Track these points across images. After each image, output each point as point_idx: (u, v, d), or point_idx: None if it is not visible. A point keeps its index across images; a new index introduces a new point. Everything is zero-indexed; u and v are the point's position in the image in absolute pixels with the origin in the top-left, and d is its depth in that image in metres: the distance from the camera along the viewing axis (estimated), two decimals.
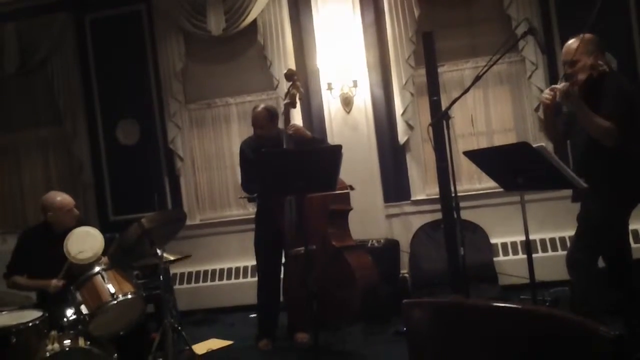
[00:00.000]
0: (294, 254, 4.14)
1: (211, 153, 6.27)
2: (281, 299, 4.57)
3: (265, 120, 4.34)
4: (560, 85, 3.20)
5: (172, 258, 3.92)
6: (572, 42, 3.33)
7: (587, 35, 3.30)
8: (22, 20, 6.30)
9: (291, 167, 3.58)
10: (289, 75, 4.39)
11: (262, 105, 4.43)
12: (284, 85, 4.44)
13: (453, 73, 5.74)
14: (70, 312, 3.43)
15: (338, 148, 3.63)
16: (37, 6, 6.33)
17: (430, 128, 4.19)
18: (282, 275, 4.55)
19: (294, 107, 4.40)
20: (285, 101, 4.34)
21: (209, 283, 5.97)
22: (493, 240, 5.48)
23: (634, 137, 3.20)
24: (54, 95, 6.34)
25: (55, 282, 3.81)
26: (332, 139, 5.61)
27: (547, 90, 3.31)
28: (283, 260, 4.52)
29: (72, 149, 6.33)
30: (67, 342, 3.26)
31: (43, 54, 6.30)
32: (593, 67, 3.21)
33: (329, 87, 5.61)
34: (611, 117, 3.10)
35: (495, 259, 5.42)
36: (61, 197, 4.10)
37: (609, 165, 3.20)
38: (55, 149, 6.56)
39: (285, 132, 4.31)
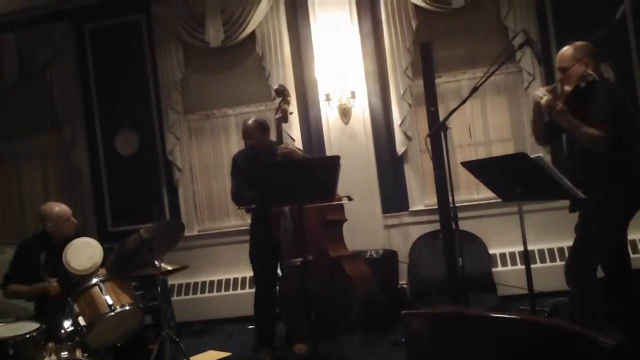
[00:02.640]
0: (291, 265, 4.13)
1: (210, 164, 6.27)
2: (276, 309, 4.55)
3: (256, 131, 4.39)
4: (544, 100, 3.21)
5: (170, 268, 3.91)
6: (565, 49, 3.37)
7: (580, 43, 3.33)
8: (22, 30, 6.33)
9: (290, 177, 3.58)
10: (280, 91, 4.45)
11: (252, 119, 4.51)
12: (277, 100, 4.49)
13: (451, 84, 5.76)
14: (67, 324, 3.42)
15: (336, 158, 3.64)
16: (37, 16, 6.34)
17: (428, 138, 4.20)
18: (277, 286, 4.54)
19: (286, 121, 4.46)
20: (277, 116, 4.38)
21: (207, 294, 5.96)
22: (491, 251, 5.48)
23: (626, 145, 3.22)
24: (53, 104, 6.35)
25: (54, 284, 3.80)
26: (331, 149, 5.63)
27: (542, 89, 3.31)
28: (279, 270, 4.51)
29: (71, 158, 6.34)
30: (64, 353, 3.25)
31: (42, 63, 6.32)
32: (582, 77, 3.22)
33: (327, 98, 5.62)
34: (601, 123, 3.11)
35: (493, 269, 5.42)
36: (59, 207, 4.11)
37: (605, 175, 3.20)
38: (54, 158, 6.56)
39: (278, 146, 4.33)
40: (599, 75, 3.30)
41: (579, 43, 3.34)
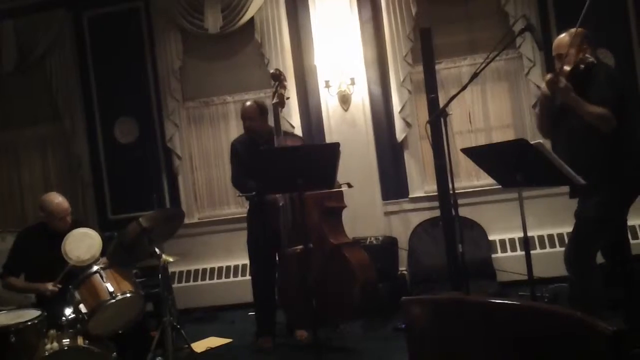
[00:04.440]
0: (291, 253, 4.14)
1: (209, 151, 6.26)
2: (275, 296, 4.56)
3: (255, 112, 4.41)
4: (547, 78, 3.22)
5: (171, 260, 3.90)
6: (561, 37, 3.37)
7: (576, 29, 3.32)
8: (20, 18, 6.29)
9: (289, 164, 3.58)
10: (276, 76, 4.42)
11: (251, 100, 4.54)
12: (274, 84, 4.46)
13: (451, 70, 5.74)
14: (69, 311, 3.42)
15: (336, 145, 3.63)
16: (35, 4, 6.31)
17: (428, 125, 4.19)
18: (276, 273, 4.55)
19: (282, 106, 4.43)
20: (274, 101, 4.35)
21: (207, 281, 5.98)
22: (491, 237, 5.49)
23: (625, 129, 3.21)
24: (52, 93, 6.33)
25: (52, 287, 3.78)
26: (330, 136, 5.62)
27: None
28: (277, 258, 4.52)
29: (70, 147, 6.33)
30: (66, 341, 3.26)
31: (41, 51, 6.29)
32: (581, 60, 3.22)
33: (327, 85, 5.61)
34: (602, 105, 3.11)
35: (493, 255, 5.43)
36: (57, 202, 4.02)
37: (605, 161, 3.20)
38: (54, 147, 6.55)
39: (275, 132, 4.32)
40: (597, 60, 3.30)
41: (574, 29, 3.34)
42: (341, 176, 3.89)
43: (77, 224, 4.08)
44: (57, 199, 4.05)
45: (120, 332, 3.58)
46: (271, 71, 4.57)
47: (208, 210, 6.27)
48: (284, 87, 4.39)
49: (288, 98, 4.56)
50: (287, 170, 3.55)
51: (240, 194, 4.59)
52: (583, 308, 3.14)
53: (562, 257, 3.38)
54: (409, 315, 1.73)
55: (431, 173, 5.46)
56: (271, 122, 4.43)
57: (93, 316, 3.39)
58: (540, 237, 5.37)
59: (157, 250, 3.73)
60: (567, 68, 3.23)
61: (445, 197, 4.89)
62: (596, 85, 3.19)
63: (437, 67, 5.31)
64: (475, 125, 5.73)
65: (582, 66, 3.22)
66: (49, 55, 6.30)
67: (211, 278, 5.98)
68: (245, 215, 4.69)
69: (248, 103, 4.48)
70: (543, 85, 3.37)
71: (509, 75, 5.69)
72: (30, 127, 6.55)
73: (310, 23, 5.73)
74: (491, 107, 5.73)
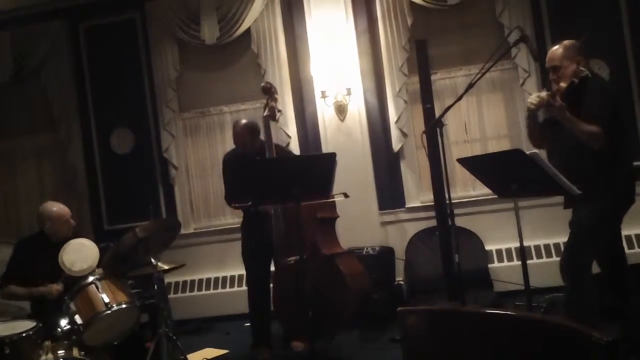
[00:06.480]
0: (285, 264, 4.13)
1: (205, 161, 6.26)
2: (271, 307, 4.55)
3: (247, 137, 4.35)
4: (544, 94, 3.24)
5: (166, 267, 3.91)
6: (555, 49, 3.39)
7: (569, 41, 3.36)
8: (16, 29, 6.30)
9: (285, 174, 3.58)
10: (266, 89, 4.39)
11: (242, 122, 4.42)
12: (265, 98, 4.42)
13: (446, 80, 5.76)
14: (64, 322, 3.41)
15: (332, 155, 3.64)
16: (32, 14, 6.32)
17: (424, 135, 4.20)
18: (271, 284, 4.54)
19: (274, 119, 4.41)
20: (265, 114, 4.34)
21: (203, 292, 5.96)
22: (488, 247, 5.49)
23: (618, 139, 3.23)
24: (48, 103, 6.34)
25: (57, 287, 3.79)
26: (327, 146, 5.62)
27: (534, 96, 3.34)
28: (272, 268, 4.51)
29: (66, 157, 6.32)
30: (61, 352, 3.24)
31: (37, 62, 6.30)
32: (575, 73, 3.25)
33: (323, 95, 5.62)
34: (595, 119, 3.13)
35: (490, 265, 5.43)
36: (57, 207, 4.08)
37: (598, 171, 3.22)
38: (50, 157, 6.55)
39: (267, 144, 4.30)
40: (590, 72, 3.33)
41: (567, 41, 3.37)
42: (337, 186, 3.88)
43: (76, 232, 4.09)
44: (56, 205, 4.11)
45: (115, 343, 3.56)
46: (262, 84, 4.54)
47: (204, 220, 6.27)
48: (275, 100, 4.37)
49: (280, 111, 4.53)
50: (283, 180, 3.56)
51: (237, 205, 4.57)
52: (578, 318, 3.14)
53: (558, 266, 3.38)
54: (404, 325, 1.73)
55: (427, 183, 5.46)
56: (262, 135, 4.42)
57: (88, 327, 3.38)
58: (537, 247, 5.38)
59: (153, 260, 3.72)
60: (563, 85, 3.25)
61: (442, 206, 4.91)
62: (589, 99, 3.21)
63: (432, 77, 5.33)
64: (471, 135, 5.75)
65: (576, 80, 3.24)
66: (45, 65, 6.31)
67: (207, 289, 5.97)
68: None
69: (239, 127, 4.37)
70: (529, 100, 3.37)
71: (505, 86, 5.72)
72: (26, 137, 6.55)
73: (307, 33, 5.75)
74: (487, 117, 5.75)
